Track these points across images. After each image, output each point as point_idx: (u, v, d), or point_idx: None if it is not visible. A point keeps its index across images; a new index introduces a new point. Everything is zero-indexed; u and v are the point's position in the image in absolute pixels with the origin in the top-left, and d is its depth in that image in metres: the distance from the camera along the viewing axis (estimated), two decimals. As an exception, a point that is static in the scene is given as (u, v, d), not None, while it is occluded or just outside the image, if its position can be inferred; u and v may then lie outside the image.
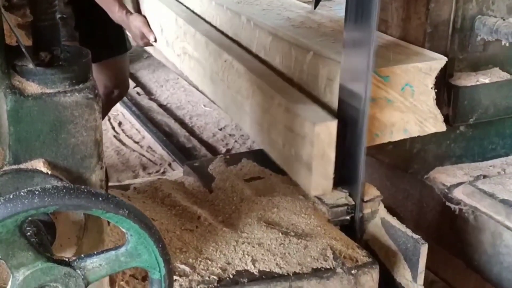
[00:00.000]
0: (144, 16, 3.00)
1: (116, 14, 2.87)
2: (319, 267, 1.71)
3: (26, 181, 1.29)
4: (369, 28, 1.83)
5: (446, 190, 2.22)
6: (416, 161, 2.30)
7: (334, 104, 1.99)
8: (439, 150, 2.30)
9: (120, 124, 4.47)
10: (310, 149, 1.90)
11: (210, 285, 1.62)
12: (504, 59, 2.29)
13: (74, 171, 1.35)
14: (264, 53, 2.41)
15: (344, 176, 2.04)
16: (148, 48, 4.33)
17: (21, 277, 1.12)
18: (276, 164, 2.14)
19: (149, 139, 4.23)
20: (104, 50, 3.02)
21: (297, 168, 2.01)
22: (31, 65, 1.28)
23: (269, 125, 2.13)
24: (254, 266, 1.70)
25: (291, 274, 1.68)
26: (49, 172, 1.30)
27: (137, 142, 4.21)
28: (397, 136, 2.04)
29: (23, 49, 1.28)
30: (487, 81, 2.22)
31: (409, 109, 2.01)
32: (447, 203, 2.21)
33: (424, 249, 1.83)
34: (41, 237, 1.24)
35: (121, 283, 1.57)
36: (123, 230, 1.16)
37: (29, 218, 1.13)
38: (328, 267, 1.72)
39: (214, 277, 1.65)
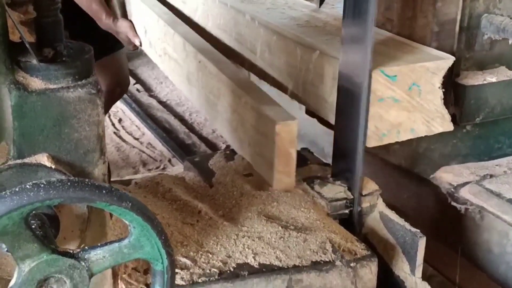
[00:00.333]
0: (131, 21, 3.03)
1: (103, 21, 2.90)
2: (319, 260, 1.74)
3: (30, 175, 1.31)
4: (367, 24, 1.85)
5: (452, 189, 2.21)
6: (422, 160, 2.29)
7: (340, 104, 2.01)
8: (445, 149, 2.29)
9: (120, 120, 4.49)
10: (272, 147, 1.94)
11: (211, 278, 1.64)
12: (511, 57, 2.28)
13: (77, 165, 1.37)
14: (269, 52, 2.42)
15: (342, 170, 2.06)
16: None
17: (27, 269, 1.14)
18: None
19: (149, 135, 4.25)
20: (98, 49, 3.02)
21: (262, 165, 2.06)
22: (34, 61, 1.30)
23: (238, 124, 2.17)
24: (255, 259, 1.72)
25: (290, 267, 1.71)
26: (53, 166, 1.32)
27: (137, 139, 4.23)
28: (404, 136, 2.04)
29: (27, 45, 1.30)
30: (494, 80, 2.20)
31: (416, 108, 2.00)
32: (453, 203, 2.20)
33: (422, 242, 1.85)
34: (46, 230, 1.27)
35: (124, 276, 1.59)
36: (126, 222, 1.18)
37: (34, 212, 1.15)
38: (327, 260, 1.74)
39: (215, 270, 1.67)
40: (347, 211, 2.01)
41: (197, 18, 3.09)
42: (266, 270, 1.69)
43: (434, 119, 2.04)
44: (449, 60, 2.02)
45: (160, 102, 4.78)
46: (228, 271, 1.67)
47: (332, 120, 2.08)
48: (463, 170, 2.29)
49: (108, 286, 1.53)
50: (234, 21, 2.68)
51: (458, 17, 2.15)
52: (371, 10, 1.84)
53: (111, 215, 1.50)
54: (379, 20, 2.30)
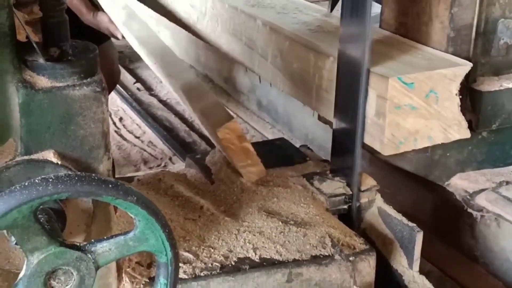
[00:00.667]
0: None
1: (84, 16, 2.93)
2: (318, 254, 1.77)
3: (37, 171, 1.34)
4: (364, 22, 1.88)
5: (468, 196, 2.17)
6: (437, 167, 2.24)
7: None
8: (460, 155, 2.24)
9: (121, 119, 4.52)
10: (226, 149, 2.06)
11: (213, 272, 1.68)
12: (527, 63, 2.21)
13: (83, 162, 1.40)
14: (281, 58, 2.40)
15: (341, 166, 2.10)
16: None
17: (35, 261, 1.18)
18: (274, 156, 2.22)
19: (149, 134, 4.27)
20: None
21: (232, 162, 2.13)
22: (41, 60, 1.34)
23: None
24: (255, 254, 1.76)
25: (291, 261, 1.74)
26: (59, 162, 1.36)
27: (138, 137, 4.25)
28: (421, 144, 2.01)
29: (34, 45, 1.34)
30: (510, 85, 2.16)
31: (433, 115, 1.98)
32: (469, 210, 2.16)
33: (419, 237, 1.88)
34: (52, 224, 1.30)
35: (128, 269, 1.62)
36: (131, 215, 1.22)
37: (41, 206, 1.19)
38: (327, 254, 1.78)
39: (217, 264, 1.70)
40: (346, 206, 2.04)
41: (205, 22, 3.05)
42: (267, 264, 1.73)
43: (451, 126, 2.02)
44: (467, 66, 1.99)
45: (161, 101, 4.81)
46: (230, 265, 1.71)
47: None
48: (479, 177, 2.24)
49: (113, 279, 1.56)
50: (245, 25, 2.65)
51: (475, 22, 2.11)
52: (368, 8, 1.86)
53: (115, 210, 1.54)
54: (392, 25, 2.29)
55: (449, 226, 2.31)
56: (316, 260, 1.76)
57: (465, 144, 2.20)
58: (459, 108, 2.01)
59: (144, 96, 4.89)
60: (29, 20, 1.68)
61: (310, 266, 1.74)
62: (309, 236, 1.83)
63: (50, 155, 1.36)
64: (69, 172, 1.32)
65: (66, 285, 1.22)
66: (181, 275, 1.64)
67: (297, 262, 1.74)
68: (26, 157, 1.36)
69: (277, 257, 1.75)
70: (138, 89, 5.01)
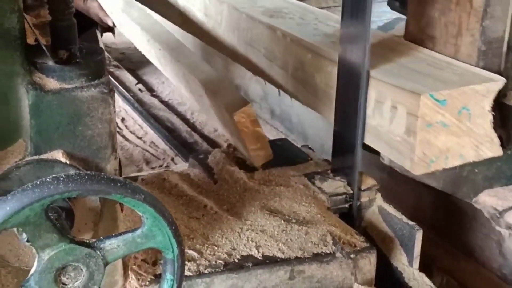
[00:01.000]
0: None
1: (75, 1, 2.94)
2: (320, 252, 1.81)
3: (47, 170, 1.38)
4: (365, 23, 1.90)
5: (497, 214, 2.09)
6: (465, 184, 2.16)
7: (383, 127, 1.93)
8: (489, 172, 2.15)
9: (123, 120, 4.54)
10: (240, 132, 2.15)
11: (217, 269, 1.71)
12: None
13: (91, 161, 1.44)
14: (302, 70, 2.33)
15: (342, 166, 2.13)
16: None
17: (46, 257, 1.21)
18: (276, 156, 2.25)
19: (151, 134, 4.29)
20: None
21: (242, 148, 2.25)
22: (50, 63, 1.37)
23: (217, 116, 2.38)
24: (258, 251, 1.79)
25: (293, 259, 1.77)
26: (68, 162, 1.39)
27: (140, 138, 4.28)
28: (452, 162, 1.92)
29: (44, 48, 1.37)
30: None
31: (466, 133, 1.90)
32: (497, 227, 2.10)
33: (419, 235, 1.91)
34: (62, 222, 1.34)
35: (134, 267, 1.66)
36: (139, 213, 1.25)
37: (51, 205, 1.22)
38: (328, 252, 1.81)
39: (221, 261, 1.74)
40: (346, 205, 2.08)
41: (221, 31, 2.93)
42: (270, 261, 1.76)
43: (483, 143, 1.93)
44: (500, 82, 1.91)
45: (162, 101, 4.83)
46: (233, 263, 1.74)
47: (370, 143, 2.03)
48: (507, 193, 2.16)
49: (119, 276, 1.59)
50: (264, 36, 2.56)
51: (506, 35, 2.03)
52: (368, 9, 1.88)
53: (122, 208, 1.58)
54: (418, 37, 2.21)
55: (476, 243, 2.26)
56: (317, 257, 1.79)
57: (493, 160, 2.09)
58: (492, 124, 1.93)
59: (146, 97, 4.91)
60: (37, 23, 1.71)
61: (312, 264, 1.78)
62: (310, 234, 1.86)
63: (59, 155, 1.40)
64: (79, 171, 1.35)
65: (76, 281, 1.25)
66: (186, 272, 1.66)
67: (299, 260, 1.77)
68: (35, 157, 1.39)
69: (279, 254, 1.78)
70: (140, 90, 5.03)
